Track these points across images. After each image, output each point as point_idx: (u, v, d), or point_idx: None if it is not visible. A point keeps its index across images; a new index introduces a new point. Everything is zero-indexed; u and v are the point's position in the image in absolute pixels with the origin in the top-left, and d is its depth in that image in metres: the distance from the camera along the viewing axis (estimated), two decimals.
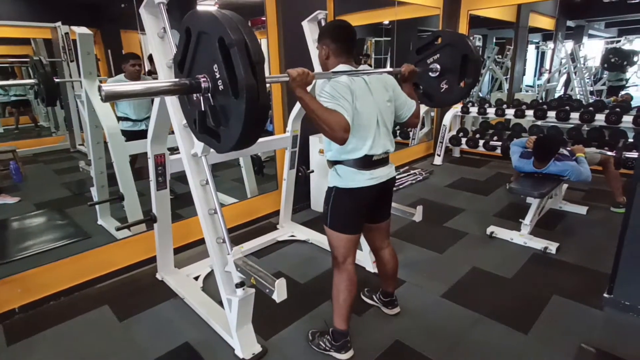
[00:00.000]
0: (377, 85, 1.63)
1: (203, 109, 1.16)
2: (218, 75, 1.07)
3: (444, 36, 1.99)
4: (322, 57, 1.65)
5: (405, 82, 1.81)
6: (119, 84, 1.08)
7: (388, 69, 1.77)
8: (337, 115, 1.41)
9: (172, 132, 1.84)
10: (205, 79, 1.12)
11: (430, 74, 2.03)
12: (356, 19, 6.38)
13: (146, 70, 3.74)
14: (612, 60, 7.24)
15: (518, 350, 1.82)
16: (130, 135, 3.16)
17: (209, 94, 1.13)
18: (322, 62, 1.67)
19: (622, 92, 7.50)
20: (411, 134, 5.54)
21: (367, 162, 1.61)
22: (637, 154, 3.63)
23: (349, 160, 1.61)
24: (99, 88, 1.00)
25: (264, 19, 3.09)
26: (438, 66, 2.00)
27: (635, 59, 7.51)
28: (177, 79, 1.17)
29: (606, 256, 2.23)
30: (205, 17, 1.08)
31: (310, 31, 2.48)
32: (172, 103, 1.75)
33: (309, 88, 1.42)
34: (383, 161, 1.68)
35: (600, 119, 4.11)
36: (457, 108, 5.14)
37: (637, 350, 1.79)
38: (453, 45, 1.96)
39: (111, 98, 1.03)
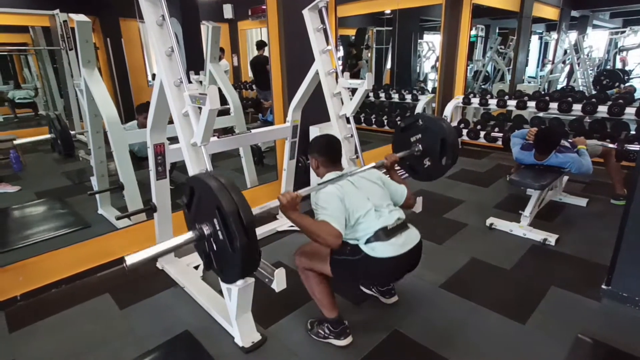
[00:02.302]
0: (363, 182, 1.75)
1: (208, 251, 1.36)
2: (218, 228, 1.26)
3: (423, 120, 2.17)
4: (314, 167, 1.87)
5: (389, 172, 1.99)
6: (140, 254, 1.23)
7: (371, 164, 1.94)
8: (326, 225, 1.54)
9: (172, 122, 1.83)
10: (207, 227, 1.32)
11: (414, 153, 2.20)
12: (357, 8, 6.31)
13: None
14: (604, 82, 7.09)
15: (515, 340, 1.83)
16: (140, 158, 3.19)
17: (212, 239, 1.32)
18: (314, 170, 1.88)
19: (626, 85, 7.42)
20: None
21: (385, 233, 1.61)
22: (639, 146, 3.62)
23: (370, 237, 1.60)
24: (124, 260, 1.19)
25: (264, 7, 3.05)
26: (420, 146, 2.19)
27: (626, 77, 7.34)
28: (189, 235, 1.37)
29: (605, 248, 2.24)
30: (205, 186, 1.28)
31: (310, 19, 2.45)
32: (172, 92, 1.73)
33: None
34: (402, 226, 1.68)
35: (602, 110, 4.09)
36: (458, 99, 5.11)
37: (633, 341, 1.80)
38: (432, 130, 2.13)
39: (135, 266, 1.21)
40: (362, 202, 1.65)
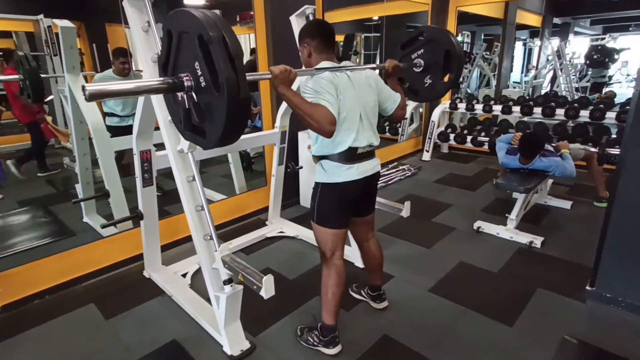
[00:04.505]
0: (360, 80, 1.64)
1: (187, 106, 1.18)
2: (200, 73, 1.10)
3: (427, 32, 2.02)
4: (304, 56, 1.68)
5: (389, 78, 1.84)
6: (103, 84, 1.09)
7: (371, 64, 1.79)
8: (321, 108, 1.43)
9: (159, 128, 1.81)
10: (188, 77, 1.15)
11: (414, 69, 2.05)
12: (345, 15, 6.37)
13: (133, 68, 3.66)
14: (595, 57, 7.38)
15: (503, 343, 1.85)
16: (117, 131, 3.11)
17: (192, 92, 1.16)
18: (305, 61, 1.69)
19: (606, 89, 7.66)
20: (400, 130, 5.56)
21: (352, 155, 1.62)
22: (619, 150, 3.71)
23: (334, 155, 1.62)
24: (83, 88, 1.01)
25: (252, 13, 3.06)
26: (422, 61, 2.03)
27: (616, 56, 7.68)
28: (161, 79, 1.19)
29: (589, 250, 2.28)
30: (184, 16, 1.11)
31: (298, 26, 2.46)
32: (157, 98, 1.72)
33: (294, 87, 1.42)
34: (368, 154, 1.69)
35: (584, 115, 4.19)
36: (445, 104, 5.17)
37: (617, 340, 1.84)
38: (436, 41, 1.98)
39: (95, 98, 1.05)
40: (355, 104, 1.57)
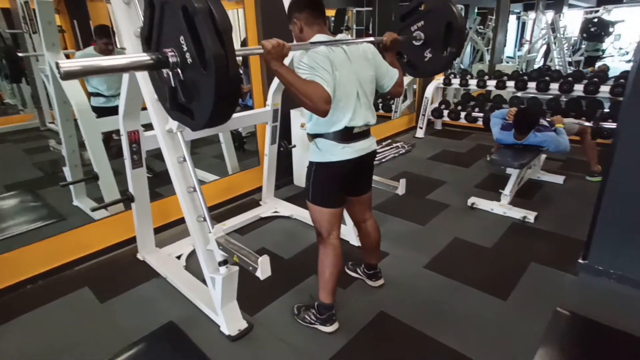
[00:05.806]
0: (357, 54, 1.58)
1: (173, 84, 1.10)
2: (185, 48, 1.01)
3: (427, 2, 1.92)
4: (296, 34, 1.59)
5: (388, 52, 1.76)
6: (80, 60, 0.98)
7: (369, 38, 1.71)
8: (316, 86, 1.36)
9: (146, 108, 1.75)
10: (173, 53, 1.06)
11: (413, 42, 1.97)
12: None
13: (118, 46, 3.50)
14: (592, 30, 7.31)
15: (497, 316, 1.88)
16: (103, 112, 3.01)
17: (178, 69, 1.07)
18: (297, 39, 1.61)
19: (599, 63, 7.62)
20: (393, 107, 5.49)
21: (347, 135, 1.58)
22: (613, 124, 3.72)
23: (329, 133, 1.57)
24: (57, 65, 0.92)
25: None
26: (422, 34, 1.94)
27: (611, 29, 7.62)
28: (143, 54, 1.09)
29: (581, 223, 2.30)
30: None
31: None
32: (142, 76, 1.65)
33: (287, 62, 1.36)
34: (364, 134, 1.65)
35: (578, 89, 4.16)
36: (439, 80, 5.10)
37: (607, 311, 1.87)
38: (437, 12, 1.89)
39: (71, 76, 0.94)
40: (351, 80, 1.53)
